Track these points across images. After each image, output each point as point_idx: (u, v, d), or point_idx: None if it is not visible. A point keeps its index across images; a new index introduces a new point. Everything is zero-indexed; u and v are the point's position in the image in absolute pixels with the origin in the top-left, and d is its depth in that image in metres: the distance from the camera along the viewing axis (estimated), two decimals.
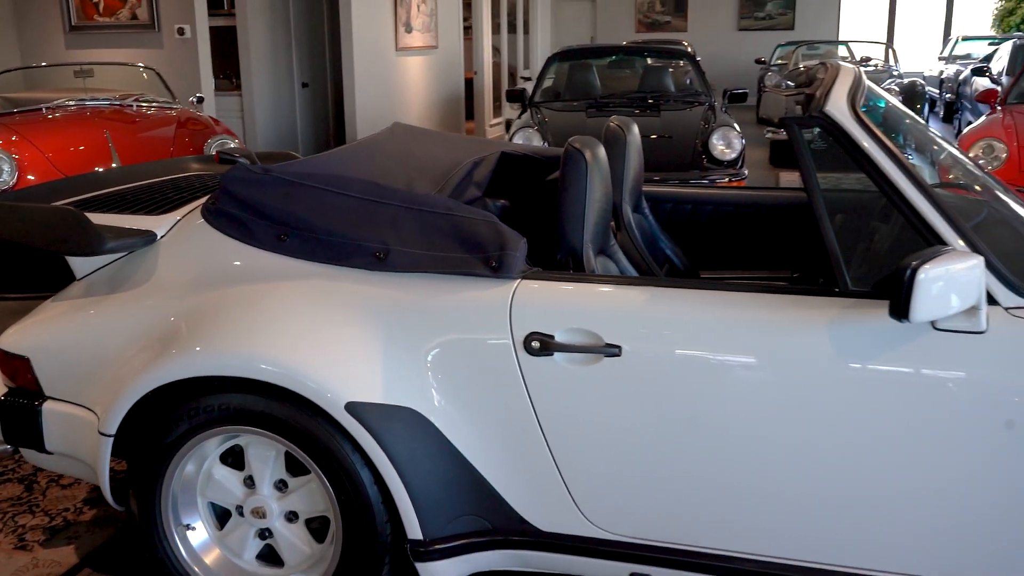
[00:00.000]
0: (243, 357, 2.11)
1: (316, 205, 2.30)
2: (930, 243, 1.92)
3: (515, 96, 7.89)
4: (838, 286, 2.00)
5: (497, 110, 15.09)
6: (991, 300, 1.90)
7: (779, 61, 15.88)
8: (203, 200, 2.63)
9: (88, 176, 3.15)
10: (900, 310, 1.79)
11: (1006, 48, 12.55)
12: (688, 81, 8.41)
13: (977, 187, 2.48)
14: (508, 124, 11.15)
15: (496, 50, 15.05)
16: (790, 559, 2.04)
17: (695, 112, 7.14)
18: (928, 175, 2.45)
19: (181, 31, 8.98)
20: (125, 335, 2.38)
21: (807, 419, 1.95)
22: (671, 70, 8.37)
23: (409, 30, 11.22)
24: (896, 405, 1.90)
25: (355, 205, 2.29)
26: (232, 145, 6.12)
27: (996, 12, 18.85)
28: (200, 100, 7.48)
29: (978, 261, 1.82)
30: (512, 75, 16.13)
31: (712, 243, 3.33)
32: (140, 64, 7.47)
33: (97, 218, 2.52)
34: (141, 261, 2.49)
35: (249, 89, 10.04)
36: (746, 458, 2.00)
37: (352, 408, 2.08)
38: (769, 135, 10.60)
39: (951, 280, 1.79)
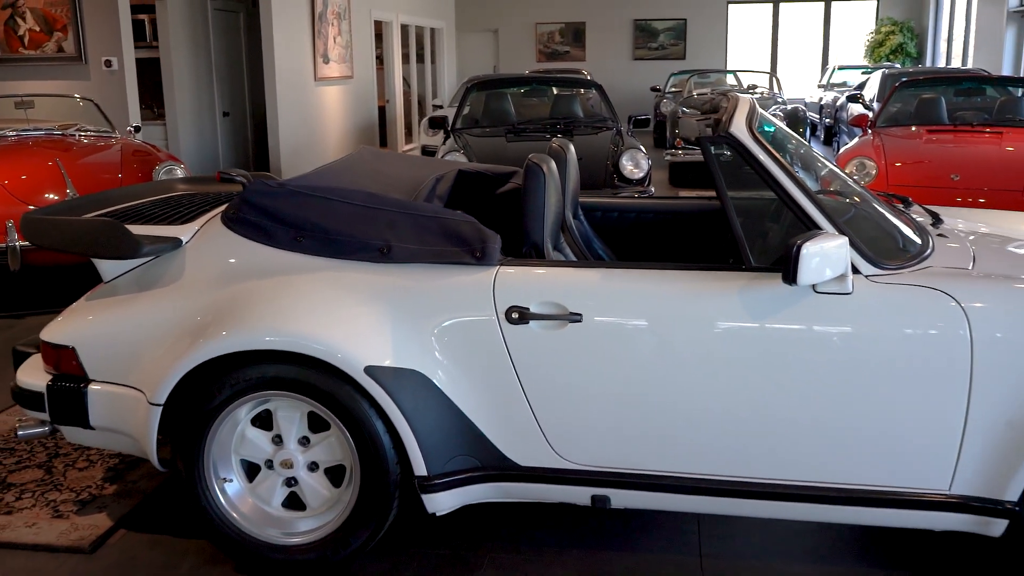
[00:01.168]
0: (281, 333, 2.62)
1: (326, 211, 2.83)
2: (810, 230, 2.57)
3: (437, 123, 8.47)
4: (744, 264, 2.63)
5: (408, 137, 15.64)
6: (855, 270, 2.56)
7: (673, 89, 16.84)
8: (218, 210, 3.13)
9: (96, 196, 3.58)
10: (790, 278, 2.43)
11: (876, 77, 13.75)
12: (595, 108, 9.13)
13: (847, 193, 3.17)
14: (423, 150, 11.72)
15: (405, 81, 15.61)
16: (713, 474, 2.65)
17: (604, 136, 7.84)
18: (811, 184, 3.11)
19: (108, 63, 9.28)
20: (165, 324, 2.86)
21: (726, 363, 2.57)
22: (579, 98, 9.09)
23: (327, 61, 11.70)
24: (790, 348, 2.54)
25: (359, 211, 2.82)
26: (178, 171, 6.51)
27: (868, 43, 20.34)
28: (137, 129, 7.82)
29: (844, 241, 2.47)
30: (421, 103, 16.70)
31: (635, 244, 3.95)
32: (77, 95, 7.77)
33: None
34: (170, 263, 2.97)
35: (173, 118, 10.36)
36: (681, 398, 2.60)
37: (370, 371, 2.61)
38: (668, 158, 11.44)
39: (825, 255, 2.44)
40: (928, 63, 19.72)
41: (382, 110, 14.51)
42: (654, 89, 17.96)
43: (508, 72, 19.73)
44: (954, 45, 18.67)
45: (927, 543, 2.94)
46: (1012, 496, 2.50)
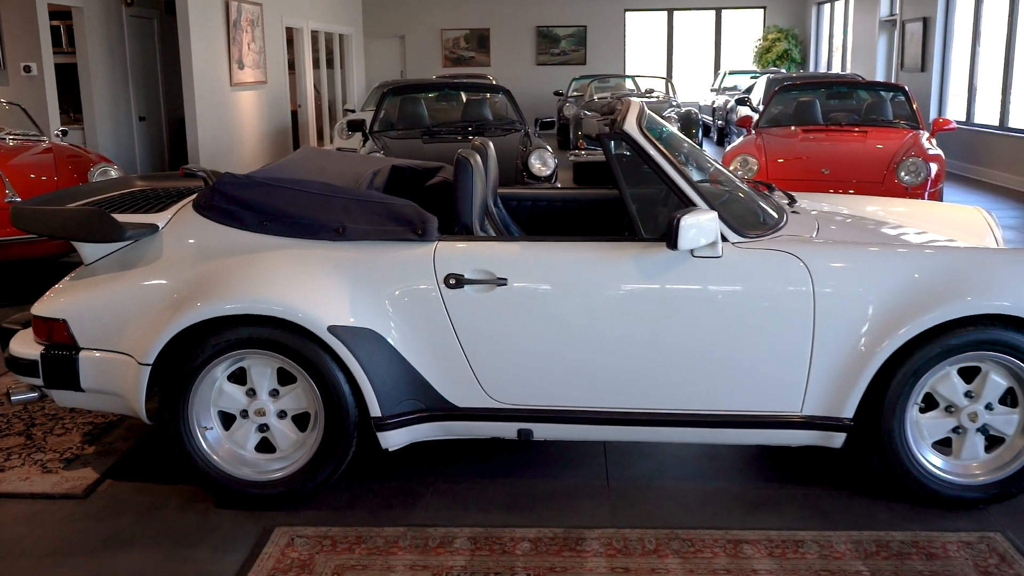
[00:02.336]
0: (257, 299, 3.13)
1: (289, 199, 3.35)
2: (688, 207, 3.20)
3: (356, 126, 8.96)
4: (637, 236, 3.25)
5: (320, 140, 16.00)
6: (724, 238, 3.21)
7: (575, 93, 17.60)
8: (187, 200, 3.61)
9: (67, 190, 3.99)
10: (672, 244, 3.06)
11: (763, 81, 14.75)
12: (503, 111, 9.73)
13: (721, 180, 3.83)
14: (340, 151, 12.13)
15: (316, 87, 15.97)
16: (616, 407, 3.26)
17: (513, 137, 8.46)
18: (691, 172, 3.75)
19: (28, 68, 9.46)
20: (150, 296, 3.33)
21: (624, 315, 3.18)
22: (488, 102, 9.68)
23: (241, 67, 12.03)
24: (674, 301, 3.17)
25: (317, 198, 3.35)
26: (113, 172, 6.85)
27: (756, 49, 21.52)
28: (64, 133, 8.09)
29: (715, 215, 3.12)
30: (331, 108, 17.07)
31: (544, 228, 4.55)
32: (3, 100, 7.99)
33: None
34: (149, 246, 3.44)
35: (91, 123, 10.57)
36: (589, 344, 3.21)
37: (332, 329, 3.14)
38: (572, 158, 12.14)
39: (700, 226, 3.08)
40: (812, 68, 20.99)
41: (295, 114, 14.85)
42: (557, 93, 18.70)
43: (415, 77, 20.23)
44: (834, 51, 19.95)
45: (788, 460, 3.61)
46: (848, 413, 3.18)
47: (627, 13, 22.40)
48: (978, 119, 12.90)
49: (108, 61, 10.84)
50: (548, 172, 7.74)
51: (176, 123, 12.78)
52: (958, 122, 13.00)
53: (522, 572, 2.87)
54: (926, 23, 14.04)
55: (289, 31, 14.38)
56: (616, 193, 4.46)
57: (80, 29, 10.30)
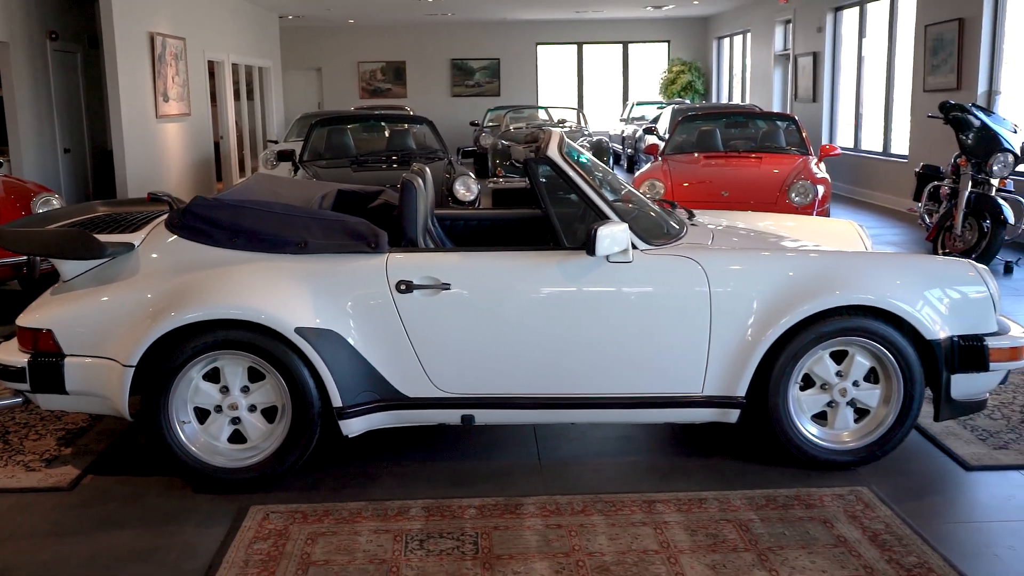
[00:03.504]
0: (232, 306, 3.57)
1: (255, 218, 3.80)
2: (603, 220, 3.76)
3: (286, 156, 9.37)
4: (560, 245, 3.80)
5: (242, 170, 16.26)
6: (634, 246, 3.78)
7: (491, 123, 18.24)
8: (157, 221, 4.02)
9: (38, 215, 4.36)
10: (591, 251, 3.62)
11: (668, 111, 15.62)
12: (426, 141, 10.26)
13: (632, 200, 4.42)
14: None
15: (237, 119, 16.25)
16: (545, 393, 3.78)
17: (438, 165, 8.98)
18: (605, 191, 4.32)
19: None
20: (130, 307, 3.73)
21: (550, 313, 3.72)
22: (411, 132, 10.20)
23: (166, 99, 12.30)
24: (592, 300, 3.72)
25: (280, 217, 3.81)
26: (55, 201, 7.13)
27: (662, 81, 22.55)
28: (1, 165, 8.30)
29: (626, 226, 3.69)
30: (252, 138, 17.34)
31: (473, 244, 5.07)
32: None
33: None
34: (127, 262, 3.85)
35: (17, 155, 10.71)
36: (521, 339, 3.73)
37: (298, 331, 3.60)
38: (491, 186, 12.71)
39: (613, 236, 3.65)
40: (714, 98, 22.11)
41: (217, 145, 15.11)
42: (473, 124, 19.32)
43: (333, 108, 20.62)
44: (735, 83, 21.08)
45: (692, 435, 4.19)
46: (741, 392, 3.77)
47: (538, 46, 23.27)
48: (865, 145, 13.94)
49: (33, 94, 11.01)
50: (472, 197, 8.28)
51: (99, 154, 12.95)
52: (847, 148, 14.05)
53: (471, 531, 3.36)
54: (815, 57, 15.11)
55: (211, 64, 14.68)
56: (531, 213, 5.01)
57: (6, 63, 10.47)
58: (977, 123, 7.90)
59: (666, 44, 23.38)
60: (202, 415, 3.79)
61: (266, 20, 18.53)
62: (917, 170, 9.14)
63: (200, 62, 13.97)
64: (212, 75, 14.85)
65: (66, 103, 11.96)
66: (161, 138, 12.24)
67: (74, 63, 12.29)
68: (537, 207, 4.90)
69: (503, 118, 16.68)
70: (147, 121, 11.74)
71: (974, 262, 3.97)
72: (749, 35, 19.37)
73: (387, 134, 10.40)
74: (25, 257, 6.62)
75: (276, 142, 14.83)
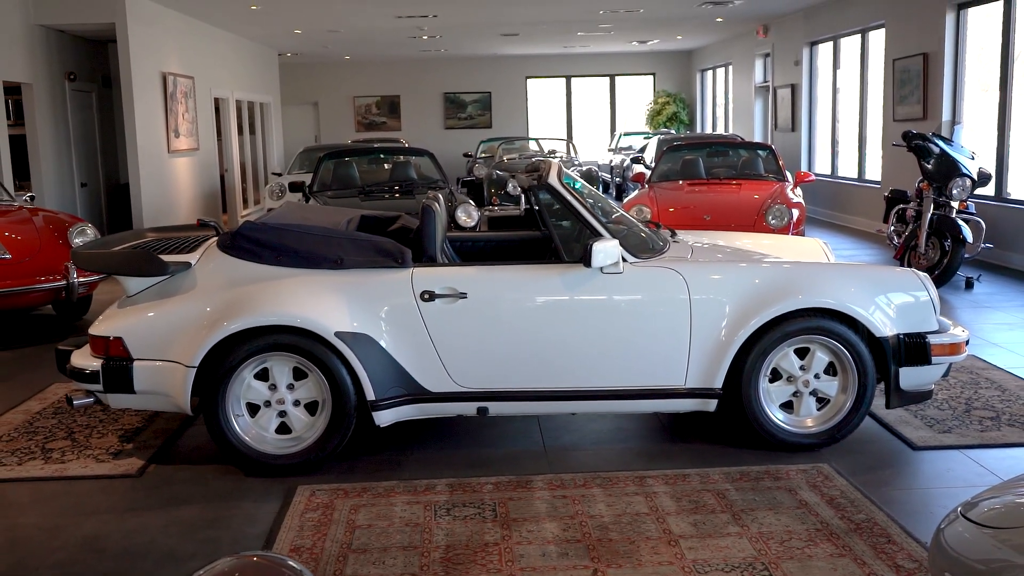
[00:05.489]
0: (280, 314, 4.18)
1: (298, 239, 4.42)
2: (597, 238, 4.38)
3: (297, 187, 9.99)
4: (560, 260, 4.43)
5: (245, 202, 16.88)
6: (624, 260, 4.40)
7: (484, 154, 18.92)
8: (209, 243, 4.62)
9: (101, 240, 4.97)
10: (587, 264, 4.24)
11: (654, 141, 16.33)
12: (427, 172, 10.89)
13: (622, 221, 5.05)
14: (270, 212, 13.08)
15: (240, 153, 16.90)
16: (551, 387, 4.38)
17: (438, 194, 9.59)
18: (599, 214, 4.94)
19: None
20: (189, 317, 4.33)
21: (554, 318, 4.34)
22: (413, 164, 10.84)
23: (177, 135, 12.94)
24: (589, 306, 4.34)
25: (319, 238, 4.43)
26: (89, 231, 7.73)
27: (648, 112, 23.33)
28: (32, 199, 8.90)
29: (616, 243, 4.32)
30: (254, 171, 17.97)
31: (478, 260, 5.67)
32: None
33: None
34: (185, 278, 4.45)
35: (39, 189, 11.30)
36: (530, 340, 4.34)
37: (338, 334, 4.20)
38: (487, 214, 13.35)
39: (606, 251, 4.27)
40: (699, 128, 22.89)
41: (222, 178, 15.73)
42: (466, 155, 20.00)
43: (329, 141, 21.29)
44: (718, 113, 21.86)
45: (677, 424, 4.79)
46: (718, 384, 4.38)
47: (528, 80, 24.05)
48: (841, 172, 14.66)
49: (53, 132, 11.63)
50: (472, 223, 8.91)
51: (113, 188, 13.56)
52: (824, 175, 14.77)
53: (489, 501, 3.95)
54: (794, 89, 15.87)
55: (217, 101, 15.34)
56: (528, 235, 5.63)
57: (30, 103, 11.09)
58: (937, 151, 8.59)
59: (652, 76, 24.18)
60: (253, 409, 4.38)
61: (267, 57, 19.25)
62: (886, 195, 9.83)
63: (207, 99, 14.63)
64: (217, 111, 15.50)
65: (82, 140, 12.59)
66: (172, 172, 12.86)
67: (89, 102, 12.93)
68: (531, 230, 5.56)
69: (496, 149, 17.37)
70: (160, 156, 12.36)
71: (916, 271, 4.60)
72: (731, 68, 20.18)
73: (389, 166, 11.03)
74: (64, 282, 7.22)
75: (280, 174, 15.46)
